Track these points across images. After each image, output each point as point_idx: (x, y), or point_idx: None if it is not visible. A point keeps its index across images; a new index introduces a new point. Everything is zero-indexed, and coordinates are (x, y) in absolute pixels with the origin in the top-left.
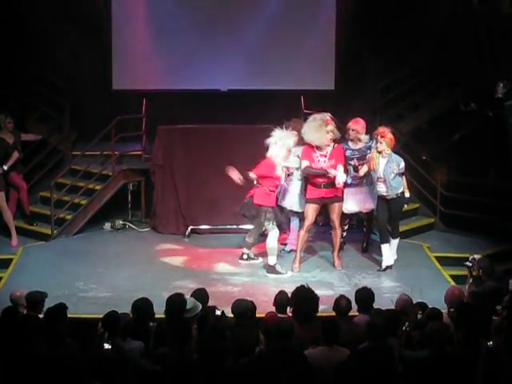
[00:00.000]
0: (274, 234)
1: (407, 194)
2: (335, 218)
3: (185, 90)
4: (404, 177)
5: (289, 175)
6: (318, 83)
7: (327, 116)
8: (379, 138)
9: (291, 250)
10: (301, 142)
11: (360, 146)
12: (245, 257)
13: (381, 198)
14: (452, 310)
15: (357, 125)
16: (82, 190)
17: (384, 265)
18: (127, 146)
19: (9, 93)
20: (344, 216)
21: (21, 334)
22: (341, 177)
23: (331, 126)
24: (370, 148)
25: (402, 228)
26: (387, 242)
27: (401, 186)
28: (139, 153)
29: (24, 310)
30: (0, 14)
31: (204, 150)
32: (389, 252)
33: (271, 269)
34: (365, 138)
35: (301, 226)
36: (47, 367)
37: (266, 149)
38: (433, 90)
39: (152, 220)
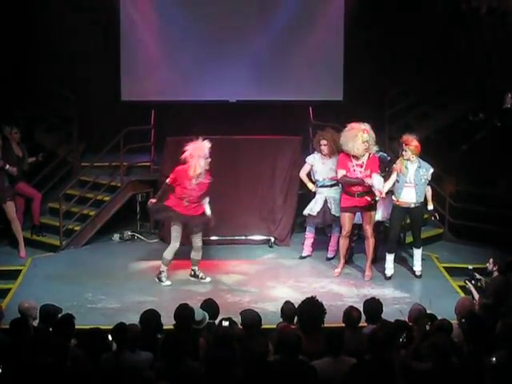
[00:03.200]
0: (173, 246)
1: (430, 207)
2: (368, 226)
3: (193, 101)
4: (430, 188)
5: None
6: (327, 94)
7: (365, 126)
8: (404, 146)
9: (333, 257)
10: (334, 151)
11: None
12: (191, 273)
13: (399, 207)
14: (463, 320)
15: None
16: (90, 202)
17: (388, 274)
18: (136, 158)
19: (17, 104)
20: (354, 226)
21: (30, 346)
22: (378, 185)
23: (367, 136)
24: (380, 159)
25: (410, 238)
26: (393, 252)
27: (423, 196)
28: (148, 164)
29: (32, 321)
30: (9, 26)
31: (212, 161)
32: (392, 262)
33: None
34: (374, 148)
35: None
36: (52, 378)
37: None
38: (441, 101)
39: (161, 231)
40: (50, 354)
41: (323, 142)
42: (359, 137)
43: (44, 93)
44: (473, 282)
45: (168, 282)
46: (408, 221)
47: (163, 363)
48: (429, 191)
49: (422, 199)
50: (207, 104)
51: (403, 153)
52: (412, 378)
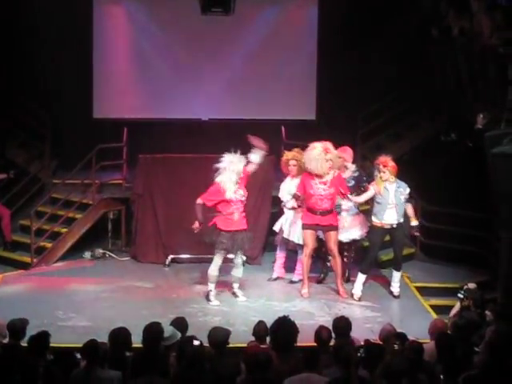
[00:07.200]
0: (216, 261)
1: (414, 223)
2: (333, 245)
3: (166, 119)
4: (410, 205)
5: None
6: (299, 113)
7: (327, 145)
8: (381, 167)
9: (300, 280)
10: (300, 171)
11: (346, 174)
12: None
13: (382, 229)
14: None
15: (344, 153)
16: (62, 219)
17: (359, 295)
18: (108, 175)
19: None
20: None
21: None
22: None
23: (330, 155)
24: (357, 178)
25: (382, 258)
26: (367, 273)
27: (403, 215)
28: (120, 181)
29: (3, 339)
30: None
31: (184, 179)
32: (362, 283)
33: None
34: (351, 166)
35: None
36: None
37: (216, 174)
38: (413, 121)
39: (132, 249)
40: (19, 371)
41: (292, 162)
42: (322, 156)
43: (16, 109)
44: (464, 299)
45: (216, 302)
46: (388, 238)
47: (135, 381)
48: (410, 208)
49: (402, 219)
50: (180, 122)
51: (381, 174)
52: None
